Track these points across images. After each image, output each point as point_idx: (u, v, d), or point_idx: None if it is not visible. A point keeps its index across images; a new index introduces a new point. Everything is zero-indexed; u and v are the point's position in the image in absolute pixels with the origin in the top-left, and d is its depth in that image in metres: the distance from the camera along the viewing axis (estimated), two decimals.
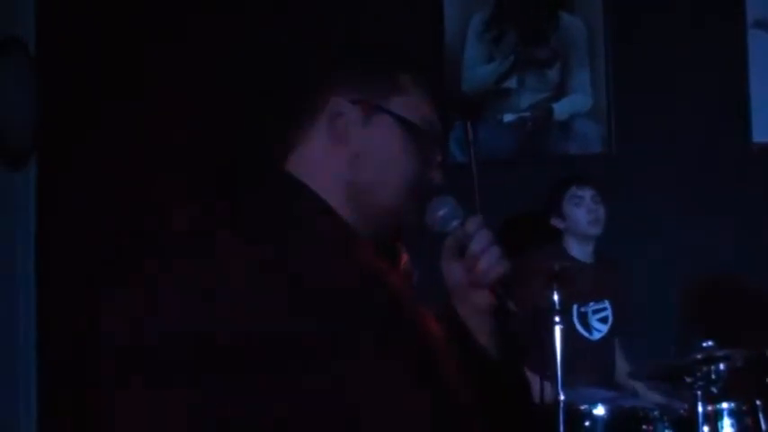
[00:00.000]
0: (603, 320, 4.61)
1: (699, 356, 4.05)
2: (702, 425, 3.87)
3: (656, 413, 4.00)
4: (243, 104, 5.07)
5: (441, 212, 1.73)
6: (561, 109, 5.26)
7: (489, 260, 1.68)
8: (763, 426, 4.00)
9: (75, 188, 4.87)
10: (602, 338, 4.61)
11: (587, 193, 4.57)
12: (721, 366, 4.08)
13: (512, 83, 5.27)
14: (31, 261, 4.79)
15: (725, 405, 4.02)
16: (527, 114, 5.27)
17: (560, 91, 5.27)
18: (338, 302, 1.54)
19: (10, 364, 4.64)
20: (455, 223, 1.73)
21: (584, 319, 4.57)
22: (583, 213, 4.55)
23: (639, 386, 4.52)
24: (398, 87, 1.73)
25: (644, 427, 4.00)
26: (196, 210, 1.63)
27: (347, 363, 1.51)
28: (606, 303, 4.60)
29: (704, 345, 4.09)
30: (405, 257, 1.82)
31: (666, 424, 4.00)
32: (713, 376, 4.04)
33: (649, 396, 4.42)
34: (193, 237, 1.58)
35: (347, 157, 1.69)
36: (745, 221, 4.96)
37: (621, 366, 4.69)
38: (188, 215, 1.63)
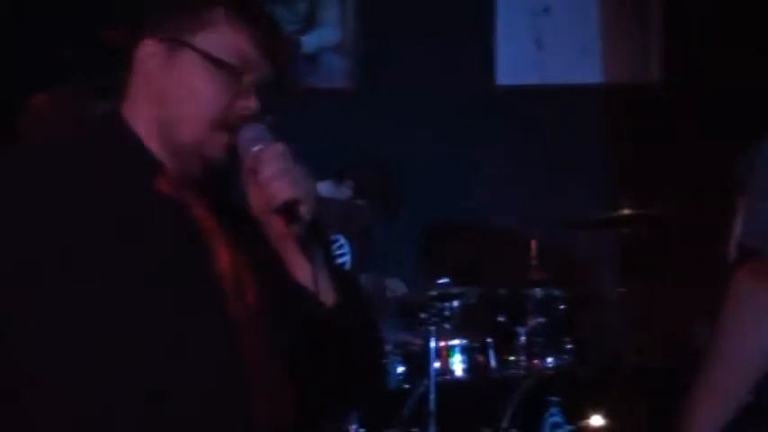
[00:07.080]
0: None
1: (433, 293, 4.06)
2: (434, 360, 3.87)
3: (388, 347, 3.96)
4: None
5: (247, 135, 1.76)
6: (309, 42, 5.19)
7: (277, 185, 1.70)
8: (493, 362, 4.05)
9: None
10: None
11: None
12: (455, 303, 4.11)
13: None
14: None
15: (456, 342, 4.05)
16: None
17: (309, 24, 5.18)
18: (133, 228, 1.70)
19: None
20: (258, 147, 1.74)
21: None
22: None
23: None
24: (207, 22, 1.78)
25: None
26: None
27: (121, 289, 1.65)
28: (342, 240, 4.54)
29: (439, 282, 4.11)
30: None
31: (398, 359, 3.99)
32: (447, 313, 4.06)
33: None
34: None
35: (155, 94, 1.79)
36: (486, 163, 5.00)
37: None
38: None
